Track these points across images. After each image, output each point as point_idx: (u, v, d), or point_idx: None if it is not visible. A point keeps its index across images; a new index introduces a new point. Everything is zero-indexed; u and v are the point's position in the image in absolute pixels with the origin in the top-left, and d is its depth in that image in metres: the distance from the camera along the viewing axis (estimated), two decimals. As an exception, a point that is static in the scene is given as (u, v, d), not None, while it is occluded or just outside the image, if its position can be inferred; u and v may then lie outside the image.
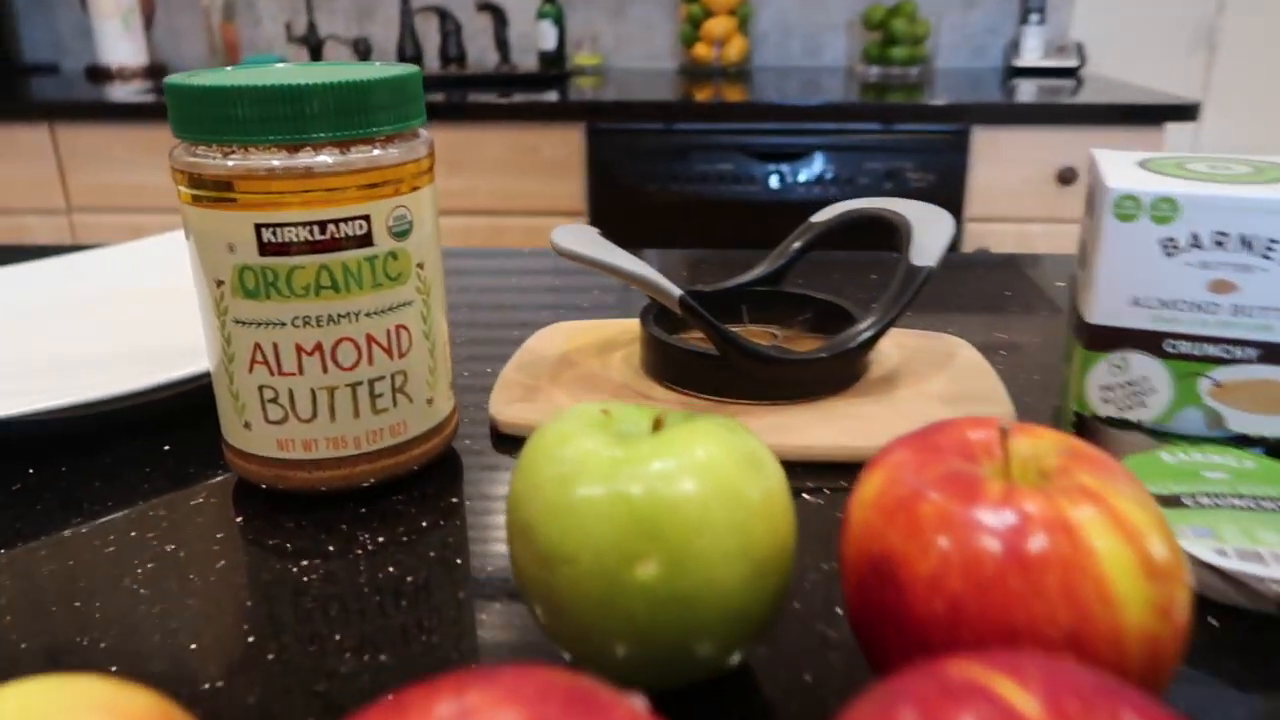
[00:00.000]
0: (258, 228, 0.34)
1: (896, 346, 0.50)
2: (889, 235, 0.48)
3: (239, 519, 0.36)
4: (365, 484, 0.37)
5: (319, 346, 0.35)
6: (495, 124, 1.63)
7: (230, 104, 0.33)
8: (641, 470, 0.24)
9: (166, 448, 0.42)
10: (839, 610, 0.31)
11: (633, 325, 0.53)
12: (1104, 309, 0.36)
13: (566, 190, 1.66)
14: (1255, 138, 2.10)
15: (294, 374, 0.35)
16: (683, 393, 0.44)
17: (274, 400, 0.35)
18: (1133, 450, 0.38)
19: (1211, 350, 0.35)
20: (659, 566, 0.24)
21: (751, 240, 1.64)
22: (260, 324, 0.35)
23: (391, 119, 0.35)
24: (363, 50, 2.05)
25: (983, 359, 0.48)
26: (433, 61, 2.13)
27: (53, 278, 0.59)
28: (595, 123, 1.61)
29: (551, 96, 1.66)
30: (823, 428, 0.41)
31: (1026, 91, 1.72)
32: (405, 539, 0.35)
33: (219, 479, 0.39)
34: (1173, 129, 2.10)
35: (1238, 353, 0.35)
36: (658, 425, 0.27)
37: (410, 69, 0.36)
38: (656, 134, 1.60)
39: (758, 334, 0.50)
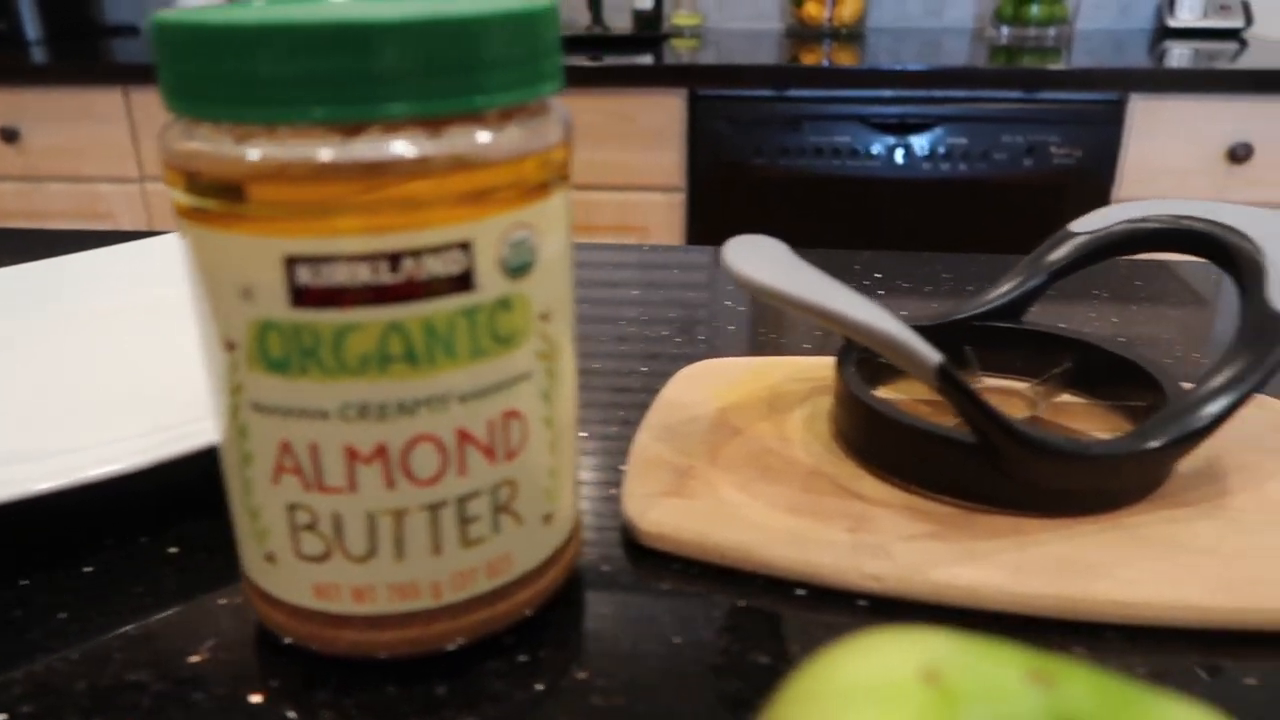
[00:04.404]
0: (290, 263, 0.20)
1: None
2: (1219, 260, 0.33)
3: (255, 697, 0.24)
4: (447, 649, 0.24)
5: (382, 450, 0.22)
6: (586, 90, 1.49)
7: (243, 53, 0.19)
8: None
9: (174, 550, 0.30)
10: None
11: (810, 367, 0.39)
12: None
13: (664, 163, 1.51)
14: None
15: (342, 490, 0.22)
16: (905, 488, 0.30)
17: (310, 527, 0.23)
18: None
19: None
20: None
21: (871, 223, 1.47)
22: (292, 413, 0.22)
23: (512, 81, 0.21)
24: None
25: (1335, 440, 0.33)
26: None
27: (44, 285, 0.48)
28: (696, 89, 1.45)
29: (646, 59, 1.51)
30: (1145, 569, 0.26)
31: (1182, 55, 1.50)
32: (512, 753, 0.22)
33: (234, 616, 0.27)
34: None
35: None
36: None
37: (541, 3, 0.23)
38: (765, 102, 1.44)
39: (1000, 393, 0.36)
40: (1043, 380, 0.36)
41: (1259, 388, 0.28)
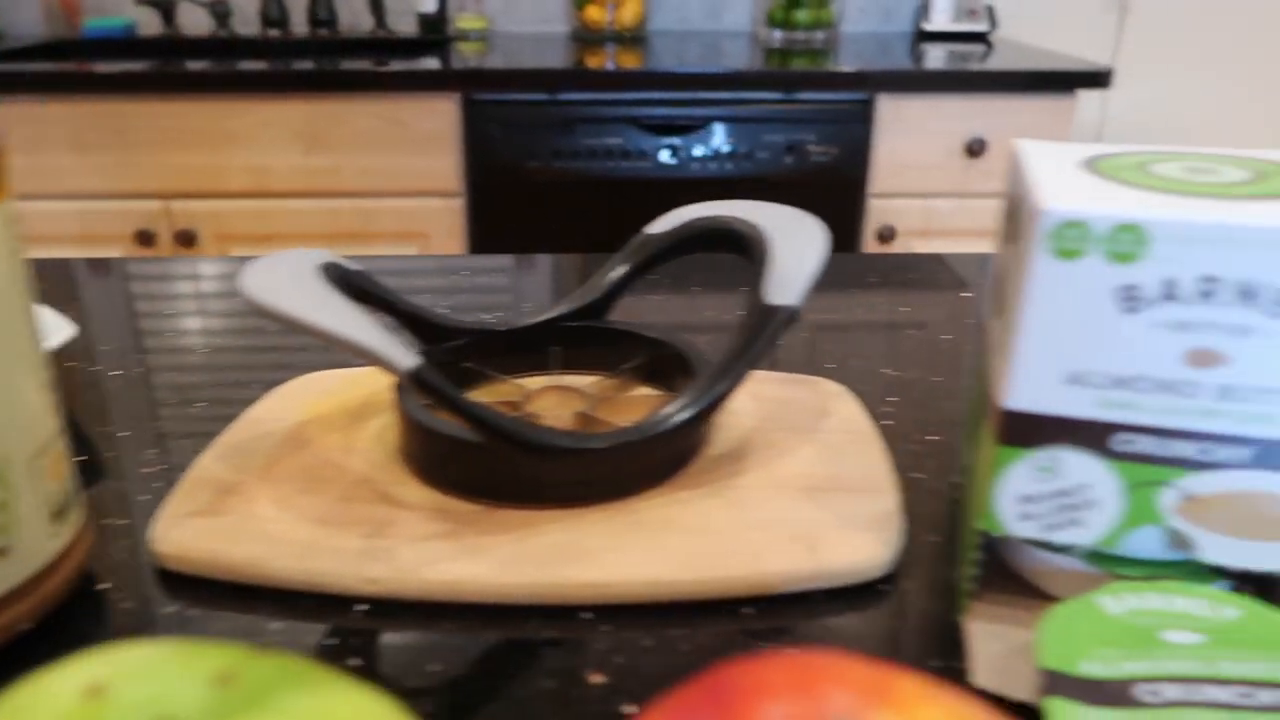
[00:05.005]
0: None
1: (752, 397, 0.37)
2: (746, 256, 0.35)
3: None
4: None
5: None
6: (363, 95, 1.46)
7: None
8: None
9: None
10: None
11: (410, 375, 0.40)
12: (1028, 387, 0.24)
13: (440, 168, 1.50)
14: (1168, 103, 2.04)
15: None
16: (443, 492, 0.31)
17: None
18: (1063, 589, 0.26)
19: (1184, 449, 0.24)
20: None
21: (644, 222, 1.51)
22: None
23: None
24: (221, 13, 1.84)
25: (864, 415, 0.36)
26: (300, 26, 1.93)
27: None
28: (472, 93, 1.45)
29: (431, 64, 1.49)
30: (630, 551, 0.28)
31: (935, 57, 1.61)
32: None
33: None
34: (1081, 96, 2.03)
35: (1221, 454, 0.23)
36: None
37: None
38: (538, 105, 1.45)
39: (562, 390, 0.37)
40: (614, 375, 0.37)
41: (740, 380, 0.31)
